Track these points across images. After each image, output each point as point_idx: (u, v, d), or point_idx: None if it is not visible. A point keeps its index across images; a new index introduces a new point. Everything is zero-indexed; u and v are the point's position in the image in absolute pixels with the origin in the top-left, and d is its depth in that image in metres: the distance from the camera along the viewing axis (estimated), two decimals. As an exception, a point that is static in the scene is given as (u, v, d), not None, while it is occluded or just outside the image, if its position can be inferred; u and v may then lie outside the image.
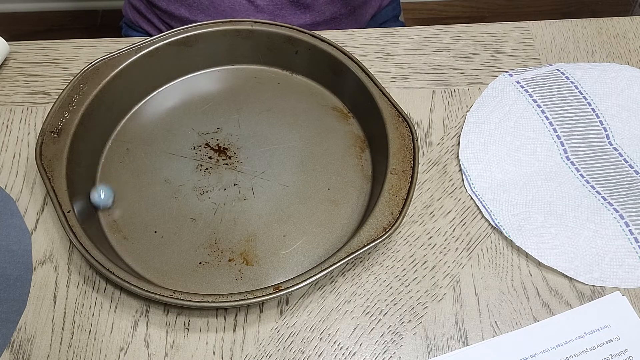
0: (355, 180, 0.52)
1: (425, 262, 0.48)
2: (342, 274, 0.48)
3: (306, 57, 0.57)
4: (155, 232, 0.50)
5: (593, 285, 0.47)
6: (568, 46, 0.62)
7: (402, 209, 0.46)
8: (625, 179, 0.52)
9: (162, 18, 0.76)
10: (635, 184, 0.52)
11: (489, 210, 0.50)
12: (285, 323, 0.46)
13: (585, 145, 0.54)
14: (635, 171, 0.53)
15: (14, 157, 0.54)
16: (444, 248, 0.49)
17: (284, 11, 0.70)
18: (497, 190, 0.51)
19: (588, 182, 0.52)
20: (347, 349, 0.45)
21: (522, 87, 0.57)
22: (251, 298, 0.42)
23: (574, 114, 0.56)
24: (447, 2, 1.64)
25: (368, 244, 0.44)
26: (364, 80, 0.53)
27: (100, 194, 0.48)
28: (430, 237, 0.50)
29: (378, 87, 0.53)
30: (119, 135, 0.55)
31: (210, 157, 0.54)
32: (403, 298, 0.47)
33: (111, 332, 0.45)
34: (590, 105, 0.56)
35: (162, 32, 0.77)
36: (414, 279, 0.48)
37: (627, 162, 0.53)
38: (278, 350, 0.45)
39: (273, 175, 0.53)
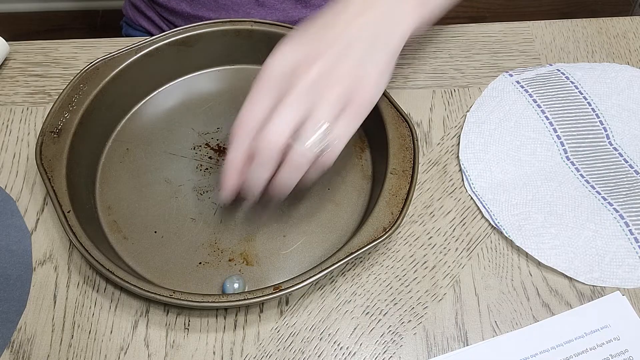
0: (355, 180, 0.52)
1: (425, 262, 0.48)
2: (342, 274, 0.48)
3: (306, 57, 0.57)
4: (155, 232, 0.50)
5: (593, 285, 0.47)
6: (568, 46, 0.62)
7: (402, 209, 0.46)
8: (625, 179, 0.52)
9: (163, 15, 0.76)
10: (635, 184, 0.52)
11: (489, 210, 0.50)
12: (285, 323, 0.46)
13: (585, 145, 0.54)
14: (635, 171, 0.53)
15: (14, 157, 0.54)
16: (444, 248, 0.49)
17: (285, 5, 0.70)
18: (497, 190, 0.51)
19: (588, 182, 0.52)
20: (347, 349, 0.45)
21: (522, 87, 0.57)
22: (251, 298, 0.42)
23: (574, 114, 0.56)
24: (447, 2, 1.64)
25: (368, 244, 0.44)
26: (364, 80, 0.53)
27: (234, 287, 0.46)
28: (430, 237, 0.50)
29: (378, 87, 0.53)
30: (119, 135, 0.55)
31: (210, 157, 0.54)
32: (403, 298, 0.47)
33: (111, 332, 0.45)
34: (590, 105, 0.56)
35: (162, 30, 0.77)
36: (414, 279, 0.48)
37: (627, 162, 0.53)
38: (278, 350, 0.45)
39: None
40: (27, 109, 0.57)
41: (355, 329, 0.46)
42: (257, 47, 0.58)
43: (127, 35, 0.83)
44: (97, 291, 0.47)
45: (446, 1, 0.51)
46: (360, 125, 0.47)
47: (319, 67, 0.43)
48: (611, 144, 0.54)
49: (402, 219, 0.46)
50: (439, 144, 0.55)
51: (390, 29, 0.46)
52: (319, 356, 0.44)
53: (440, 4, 0.50)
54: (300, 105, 0.42)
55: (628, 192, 0.51)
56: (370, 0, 0.46)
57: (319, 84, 0.43)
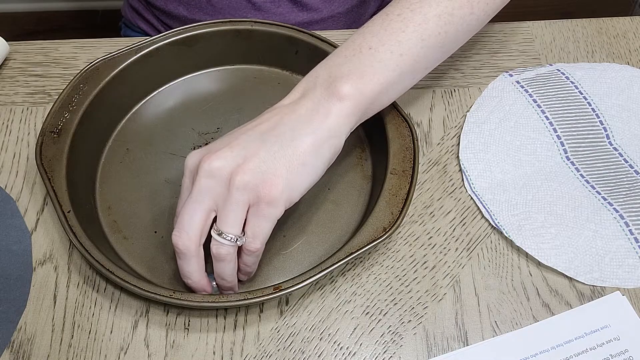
0: (355, 180, 0.52)
1: (425, 262, 0.48)
2: (342, 274, 0.48)
3: (306, 57, 0.57)
4: (155, 232, 0.50)
5: (593, 285, 0.47)
6: (568, 46, 0.62)
7: (402, 209, 0.46)
8: (625, 179, 0.52)
9: (161, 18, 0.76)
10: (635, 184, 0.52)
11: (489, 210, 0.50)
12: (285, 323, 0.46)
13: (585, 145, 0.54)
14: (635, 171, 0.53)
15: (14, 157, 0.54)
16: (444, 248, 0.49)
17: (282, 9, 0.70)
18: (497, 190, 0.51)
19: (588, 182, 0.52)
20: (347, 349, 0.45)
21: (522, 87, 0.57)
22: (251, 298, 0.42)
23: (574, 114, 0.56)
24: (447, 2, 1.63)
25: (368, 244, 0.44)
26: (364, 80, 0.53)
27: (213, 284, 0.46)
28: (430, 237, 0.50)
29: (378, 87, 0.52)
30: (119, 135, 0.55)
31: (210, 157, 0.54)
32: (403, 298, 0.47)
33: (111, 332, 0.45)
34: (590, 105, 0.56)
35: (160, 33, 0.77)
36: (414, 279, 0.48)
37: (627, 162, 0.53)
38: (278, 350, 0.45)
39: (273, 175, 0.52)
40: (27, 109, 0.57)
41: (355, 329, 0.46)
42: (257, 47, 0.58)
43: (126, 36, 0.83)
44: (97, 291, 0.47)
45: (391, 95, 0.48)
46: (361, 125, 0.47)
47: (217, 156, 0.41)
48: (611, 144, 0.54)
49: (402, 219, 0.46)
50: (439, 144, 0.55)
51: (308, 126, 0.43)
52: (319, 356, 0.44)
53: (381, 99, 0.47)
54: (203, 197, 0.42)
55: (628, 192, 0.51)
56: (299, 98, 0.45)
57: (221, 172, 0.41)
